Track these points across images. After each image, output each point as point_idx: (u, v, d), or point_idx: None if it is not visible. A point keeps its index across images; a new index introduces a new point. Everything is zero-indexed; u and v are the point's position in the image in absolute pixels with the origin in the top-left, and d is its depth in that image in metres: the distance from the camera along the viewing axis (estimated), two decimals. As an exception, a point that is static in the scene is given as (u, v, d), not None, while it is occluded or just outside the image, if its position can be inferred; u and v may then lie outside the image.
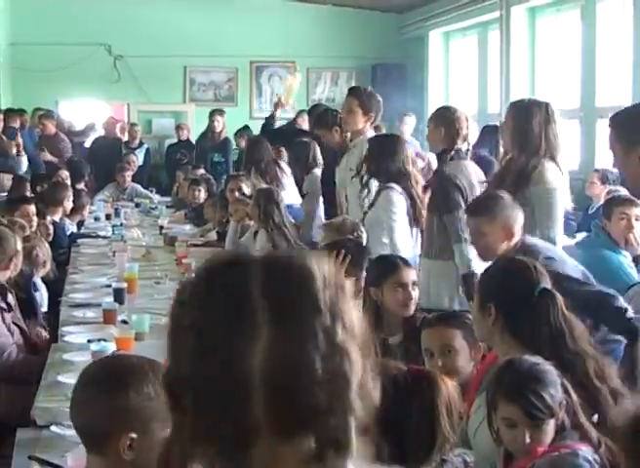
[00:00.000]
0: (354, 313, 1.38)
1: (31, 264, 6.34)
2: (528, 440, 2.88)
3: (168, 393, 1.36)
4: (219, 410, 1.31)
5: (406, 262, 4.69)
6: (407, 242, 6.00)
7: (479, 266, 4.89)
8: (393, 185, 6.04)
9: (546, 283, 3.40)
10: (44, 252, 6.63)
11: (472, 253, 5.16)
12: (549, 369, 2.95)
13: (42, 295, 6.33)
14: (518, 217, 4.55)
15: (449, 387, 2.42)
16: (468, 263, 5.35)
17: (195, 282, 1.38)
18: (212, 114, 13.39)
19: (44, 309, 6.26)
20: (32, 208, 7.83)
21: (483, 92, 13.37)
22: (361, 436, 1.34)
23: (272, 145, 9.16)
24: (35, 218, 7.79)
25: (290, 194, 8.75)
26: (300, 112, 10.83)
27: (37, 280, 6.38)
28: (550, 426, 2.90)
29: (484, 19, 13.09)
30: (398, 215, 5.98)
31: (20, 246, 5.49)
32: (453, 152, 5.80)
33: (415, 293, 4.54)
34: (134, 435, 2.43)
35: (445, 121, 5.86)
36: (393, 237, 5.95)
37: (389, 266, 4.64)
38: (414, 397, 2.33)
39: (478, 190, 5.59)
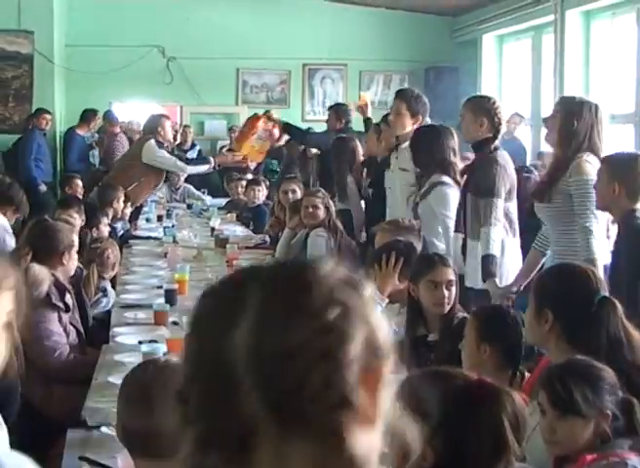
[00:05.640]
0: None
1: (102, 266, 6.34)
2: (553, 430, 2.86)
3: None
4: (211, 411, 1.19)
5: (444, 262, 4.65)
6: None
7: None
8: (445, 180, 6.13)
9: (605, 290, 3.36)
10: (115, 255, 6.60)
11: (497, 236, 5.45)
12: (603, 375, 2.88)
13: (109, 301, 6.29)
14: None
15: (515, 401, 2.41)
16: (490, 246, 5.48)
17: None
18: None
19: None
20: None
21: (536, 96, 13.25)
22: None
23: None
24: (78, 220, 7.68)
25: None
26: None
27: (107, 285, 6.37)
28: (579, 425, 2.84)
29: (538, 23, 12.98)
30: (452, 212, 6.00)
31: (75, 240, 5.42)
32: (496, 141, 5.75)
33: (449, 293, 4.50)
34: None
35: (486, 111, 5.75)
36: (447, 234, 6.01)
37: (426, 264, 4.63)
38: (480, 410, 2.34)
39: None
